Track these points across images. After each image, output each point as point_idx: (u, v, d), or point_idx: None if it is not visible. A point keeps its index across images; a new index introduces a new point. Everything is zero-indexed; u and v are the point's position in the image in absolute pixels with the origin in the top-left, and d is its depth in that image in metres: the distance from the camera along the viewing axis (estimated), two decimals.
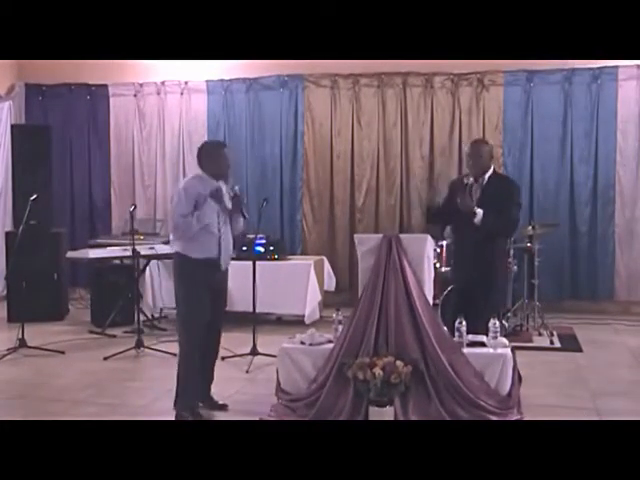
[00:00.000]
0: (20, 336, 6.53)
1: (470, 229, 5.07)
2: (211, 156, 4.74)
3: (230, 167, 4.80)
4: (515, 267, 7.04)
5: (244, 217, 4.84)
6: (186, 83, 9.14)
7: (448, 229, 4.87)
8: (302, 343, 4.78)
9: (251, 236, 7.17)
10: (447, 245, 6.90)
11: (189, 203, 4.58)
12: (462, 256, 5.33)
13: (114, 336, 7.17)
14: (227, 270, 4.88)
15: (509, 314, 7.08)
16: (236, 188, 4.81)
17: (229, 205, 4.76)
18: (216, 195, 4.65)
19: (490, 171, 5.18)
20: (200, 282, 4.62)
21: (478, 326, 4.70)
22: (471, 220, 5.04)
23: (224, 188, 4.75)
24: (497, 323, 4.63)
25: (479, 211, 4.99)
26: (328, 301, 7.92)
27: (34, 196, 6.78)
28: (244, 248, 7.36)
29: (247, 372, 5.78)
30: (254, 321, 6.17)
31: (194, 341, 4.66)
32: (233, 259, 4.99)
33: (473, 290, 5.12)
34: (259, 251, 7.45)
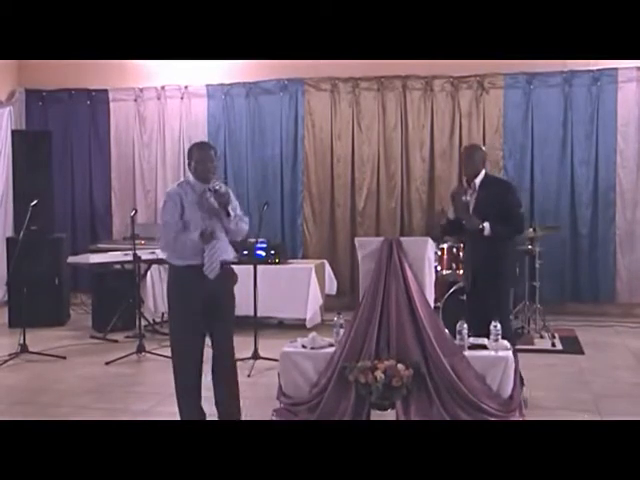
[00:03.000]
0: (21, 341, 6.53)
1: (482, 237, 5.10)
2: (195, 158, 4.33)
3: (215, 168, 4.39)
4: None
5: (227, 215, 4.26)
6: (186, 87, 9.15)
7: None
8: (303, 347, 4.77)
9: (252, 240, 7.16)
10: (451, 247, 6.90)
11: (175, 211, 4.22)
12: (473, 259, 5.36)
13: (116, 341, 7.17)
14: (224, 282, 4.31)
15: (510, 316, 7.06)
16: (217, 185, 4.31)
17: (215, 205, 4.29)
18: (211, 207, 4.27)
19: (481, 175, 5.18)
20: (186, 292, 4.21)
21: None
22: (481, 234, 5.06)
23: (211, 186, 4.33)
24: (498, 326, 4.63)
25: (486, 225, 5.00)
26: (329, 305, 7.92)
27: (35, 202, 6.78)
28: (245, 252, 7.36)
29: (249, 376, 5.78)
30: (255, 325, 6.16)
31: (184, 358, 4.30)
32: (234, 263, 4.71)
33: (483, 292, 5.12)
34: (260, 255, 7.44)
